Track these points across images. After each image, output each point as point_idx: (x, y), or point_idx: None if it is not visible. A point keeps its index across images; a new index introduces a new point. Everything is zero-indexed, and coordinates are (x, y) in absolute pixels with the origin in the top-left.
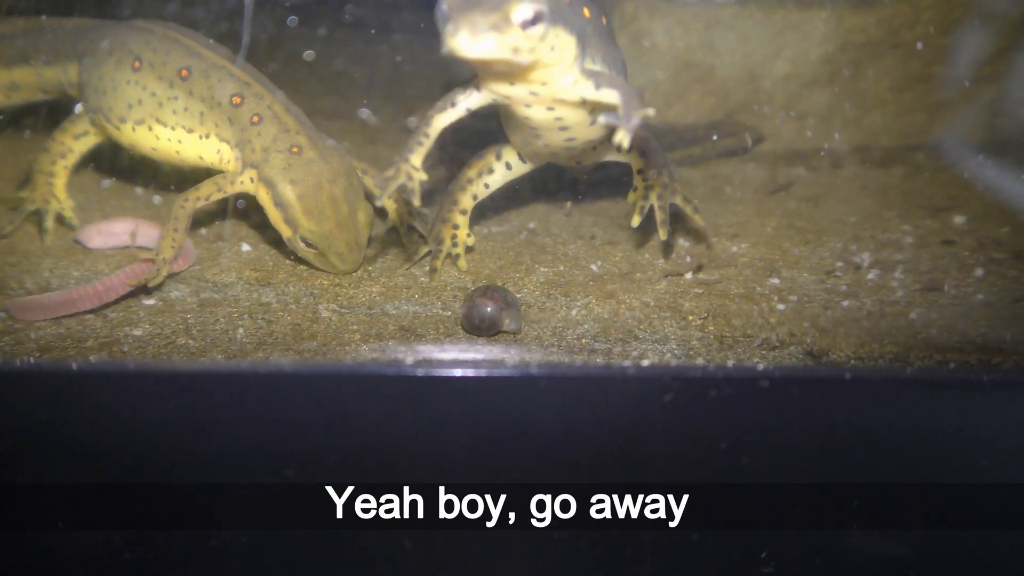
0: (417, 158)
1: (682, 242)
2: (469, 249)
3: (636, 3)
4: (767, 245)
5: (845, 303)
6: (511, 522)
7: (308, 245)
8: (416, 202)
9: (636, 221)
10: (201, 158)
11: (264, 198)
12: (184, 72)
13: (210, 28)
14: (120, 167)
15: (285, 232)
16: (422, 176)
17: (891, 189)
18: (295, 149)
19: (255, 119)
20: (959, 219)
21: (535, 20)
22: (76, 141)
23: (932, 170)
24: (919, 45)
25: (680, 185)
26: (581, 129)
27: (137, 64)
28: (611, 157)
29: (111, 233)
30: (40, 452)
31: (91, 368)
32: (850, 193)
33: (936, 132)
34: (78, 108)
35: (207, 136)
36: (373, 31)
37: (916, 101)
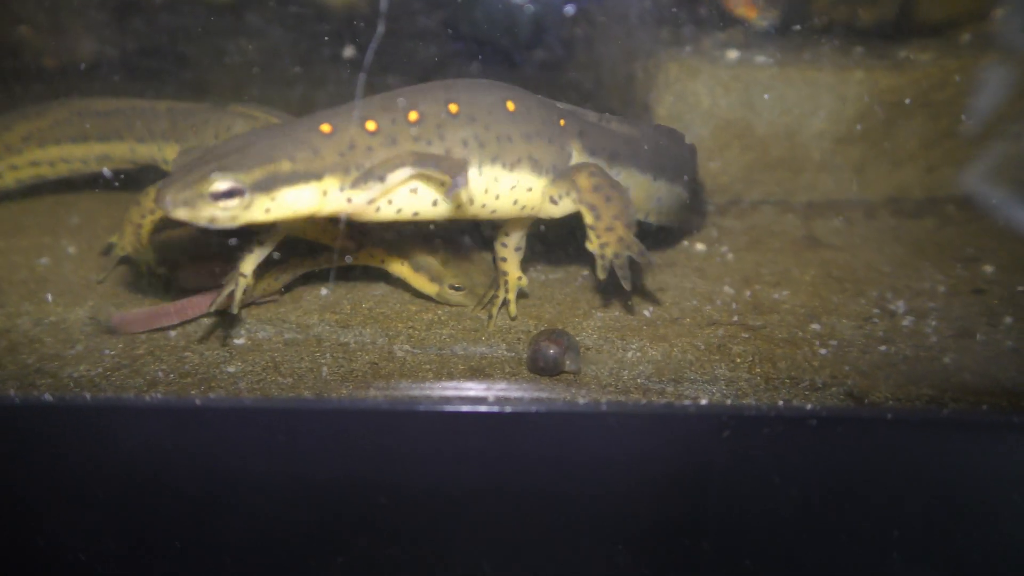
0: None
1: (727, 289)
2: (522, 294)
3: (679, 66)
4: (807, 293)
5: (883, 348)
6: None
7: (457, 289)
8: None
9: (601, 274)
10: (305, 234)
11: (403, 270)
12: None
13: None
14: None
15: (432, 290)
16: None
17: (923, 239)
18: None
19: None
20: (988, 268)
21: (231, 194)
22: None
23: (962, 221)
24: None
25: (633, 237)
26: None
27: None
28: (559, 214)
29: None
30: (158, 481)
31: (208, 403)
32: (883, 243)
33: (965, 185)
34: None
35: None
36: None
37: (945, 156)
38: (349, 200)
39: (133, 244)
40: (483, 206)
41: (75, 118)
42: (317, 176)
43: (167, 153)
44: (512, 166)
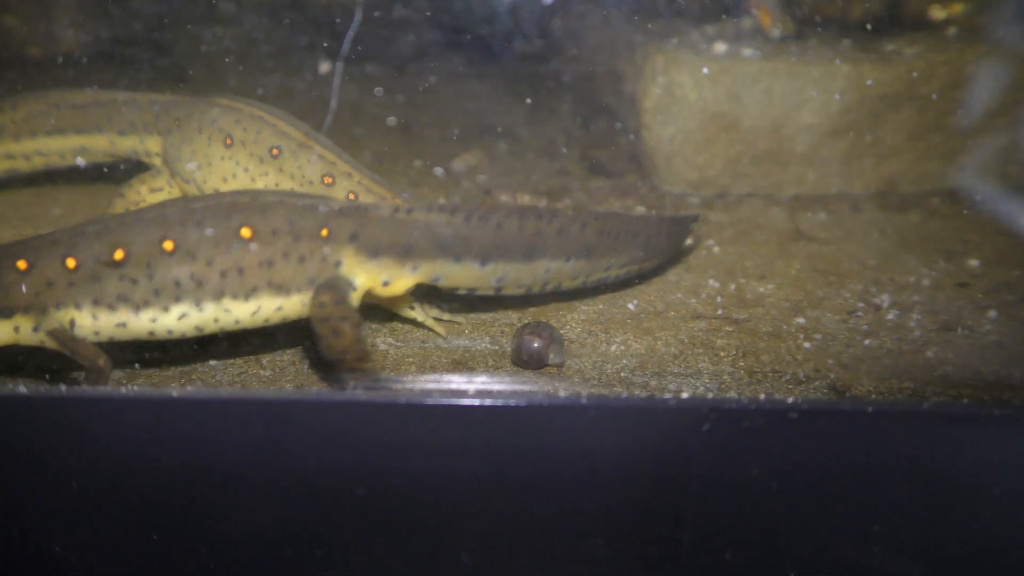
0: None
1: (712, 283)
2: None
3: (666, 58)
4: (792, 286)
5: (866, 341)
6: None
7: None
8: None
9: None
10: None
11: None
12: (275, 151)
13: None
14: None
15: None
16: None
17: (908, 233)
18: None
19: (351, 196)
20: (973, 262)
21: None
22: (151, 194)
23: (947, 215)
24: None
25: (366, 367)
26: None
27: (229, 141)
28: None
29: None
30: (135, 474)
31: (186, 395)
32: (869, 237)
33: (951, 179)
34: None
35: None
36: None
37: (932, 149)
38: (42, 343)
39: None
40: (222, 329)
41: (52, 110)
42: (6, 314)
43: (149, 145)
44: (247, 296)
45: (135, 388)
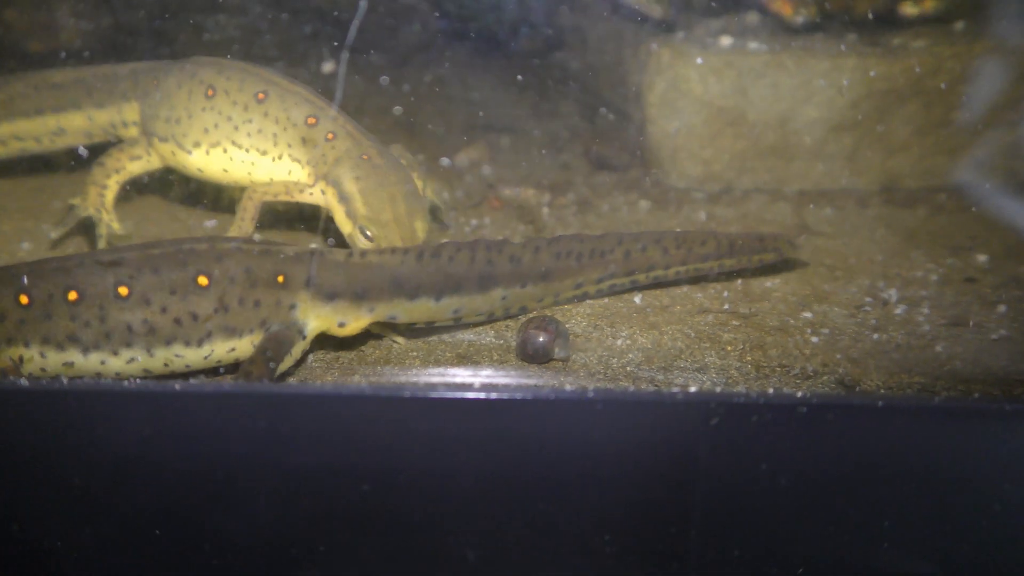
0: None
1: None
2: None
3: (672, 52)
4: (798, 281)
5: (874, 336)
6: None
7: (366, 237)
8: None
9: None
10: (271, 180)
11: (330, 198)
12: (261, 95)
13: None
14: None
15: (347, 228)
16: None
17: (915, 228)
18: (365, 157)
19: (330, 136)
20: (981, 258)
21: None
22: (131, 162)
23: (954, 210)
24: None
25: None
26: None
27: (210, 92)
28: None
29: None
30: (137, 468)
31: (189, 389)
32: (876, 232)
33: (957, 174)
34: None
35: (280, 157)
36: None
37: (938, 145)
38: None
39: (96, 205)
40: (171, 373)
41: (30, 91)
42: None
43: (127, 115)
44: (200, 342)
45: (137, 381)
